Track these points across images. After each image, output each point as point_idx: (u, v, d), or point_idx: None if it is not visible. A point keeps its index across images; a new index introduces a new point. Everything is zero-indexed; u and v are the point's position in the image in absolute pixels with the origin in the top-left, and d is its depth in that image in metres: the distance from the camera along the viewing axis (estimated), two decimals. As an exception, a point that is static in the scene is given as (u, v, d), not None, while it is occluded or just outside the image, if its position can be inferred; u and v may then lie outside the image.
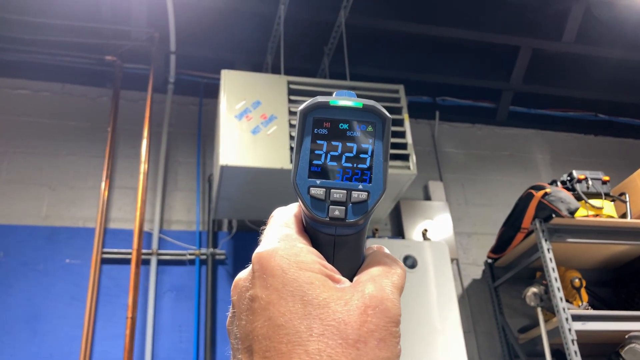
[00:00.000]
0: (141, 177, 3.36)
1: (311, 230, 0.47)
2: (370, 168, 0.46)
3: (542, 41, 4.12)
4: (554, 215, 3.15)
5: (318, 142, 0.47)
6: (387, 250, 0.49)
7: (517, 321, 3.63)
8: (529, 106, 4.48)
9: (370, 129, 0.47)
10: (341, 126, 0.47)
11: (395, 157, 3.14)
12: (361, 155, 0.46)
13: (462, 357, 3.06)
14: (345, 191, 0.46)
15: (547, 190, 3.22)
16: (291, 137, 2.95)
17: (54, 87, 3.77)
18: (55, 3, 3.44)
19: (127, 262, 3.21)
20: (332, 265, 0.45)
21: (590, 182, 3.38)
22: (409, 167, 3.08)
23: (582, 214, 3.27)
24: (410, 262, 3.26)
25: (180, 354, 3.11)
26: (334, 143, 0.47)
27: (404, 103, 3.26)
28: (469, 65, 4.26)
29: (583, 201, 3.30)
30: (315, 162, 0.46)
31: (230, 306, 0.47)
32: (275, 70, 3.60)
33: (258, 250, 0.45)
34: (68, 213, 3.39)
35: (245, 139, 2.91)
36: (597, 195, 3.37)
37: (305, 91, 3.16)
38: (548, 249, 3.13)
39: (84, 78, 3.80)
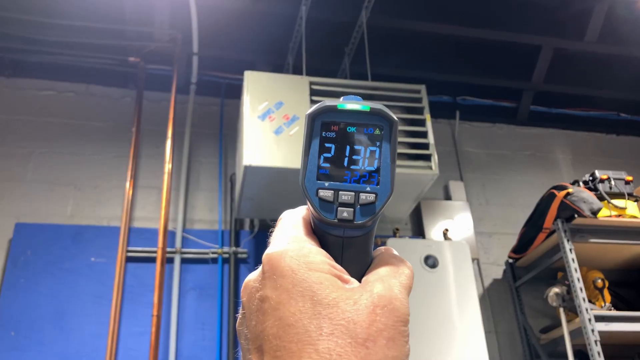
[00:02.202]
0: (166, 177, 3.41)
1: (319, 232, 0.48)
2: (377, 170, 0.47)
3: (564, 40, 4.10)
4: (576, 216, 3.14)
5: (326, 145, 0.47)
6: (395, 252, 0.50)
7: (539, 321, 3.61)
8: (550, 106, 4.46)
9: (377, 132, 0.47)
10: (349, 129, 0.47)
11: (417, 157, 3.15)
12: (369, 158, 0.47)
13: (483, 357, 3.06)
14: (353, 193, 0.46)
15: (570, 190, 3.20)
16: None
17: (79, 88, 3.83)
18: (79, 5, 3.49)
19: (151, 260, 3.25)
20: (341, 266, 0.46)
21: (613, 182, 3.36)
22: (431, 167, 3.09)
23: (605, 214, 3.25)
24: (431, 262, 3.26)
25: (204, 351, 3.15)
26: (341, 146, 0.47)
27: (425, 103, 3.26)
28: (490, 64, 4.25)
29: (606, 201, 3.28)
30: (323, 164, 0.47)
31: (240, 307, 0.47)
32: (296, 71, 3.63)
33: (268, 251, 0.45)
34: (93, 212, 3.44)
35: (268, 139, 2.93)
36: (620, 196, 3.34)
37: (327, 92, 3.18)
38: (570, 249, 3.12)
39: (107, 79, 3.86)
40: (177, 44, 3.70)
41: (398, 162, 3.12)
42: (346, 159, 0.47)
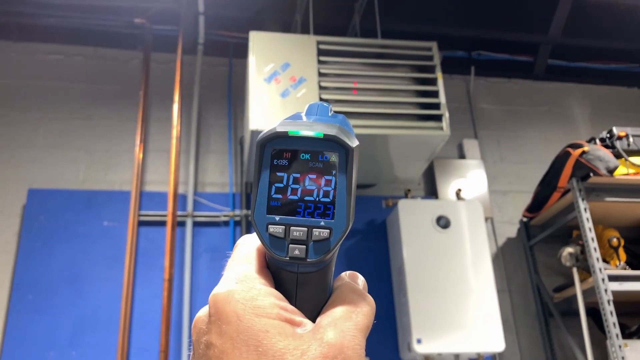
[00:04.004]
0: (174, 141, 3.40)
1: (273, 267, 0.45)
2: (333, 202, 0.43)
3: (584, -10, 3.94)
4: (591, 174, 3.07)
5: (278, 174, 0.44)
6: (359, 281, 0.47)
7: (552, 280, 3.60)
8: (568, 59, 4.31)
9: (333, 159, 0.44)
10: (302, 157, 0.44)
11: (428, 117, 3.08)
12: (324, 189, 0.44)
13: (495, 315, 3.06)
14: (305, 229, 0.43)
15: (585, 148, 3.13)
16: (321, 100, 2.92)
17: (87, 51, 3.80)
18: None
19: (163, 224, 3.27)
20: (295, 304, 0.44)
21: (631, 139, 3.26)
22: (442, 128, 3.02)
23: (622, 172, 3.17)
24: (443, 222, 3.24)
25: (217, 312, 3.19)
26: (294, 175, 0.44)
27: (437, 61, 3.17)
28: (506, 17, 4.11)
29: (623, 159, 3.20)
30: (274, 195, 0.44)
31: (192, 346, 0.45)
32: (304, 28, 3.54)
33: (214, 291, 0.43)
34: (104, 177, 3.46)
35: (275, 102, 2.89)
36: (638, 153, 3.25)
37: (335, 51, 3.10)
38: (585, 209, 3.07)
39: (115, 41, 3.81)
40: (182, 4, 3.62)
41: (407, 123, 3.07)
42: (299, 190, 0.44)
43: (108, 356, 2.97)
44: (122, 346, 2.96)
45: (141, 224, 3.31)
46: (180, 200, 3.38)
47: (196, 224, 3.39)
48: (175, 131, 3.42)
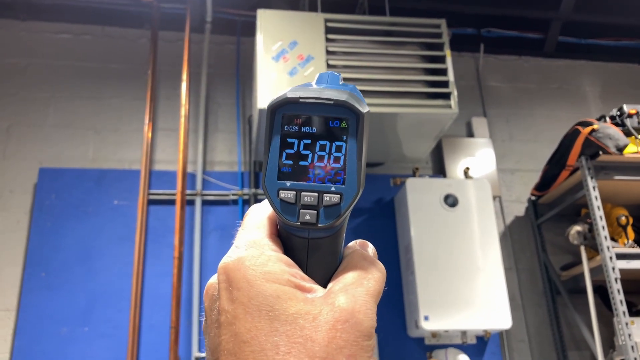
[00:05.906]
0: (182, 120, 3.41)
1: (284, 233, 0.46)
2: (344, 168, 0.44)
3: (596, -35, 3.88)
4: (600, 152, 3.06)
5: (288, 140, 0.44)
6: (368, 248, 0.47)
7: (560, 258, 3.60)
8: (579, 36, 4.26)
9: (343, 125, 0.44)
10: (313, 122, 0.44)
11: (436, 95, 3.07)
12: (334, 154, 0.44)
13: (502, 293, 3.08)
14: (316, 194, 0.43)
15: (595, 126, 3.11)
16: (329, 78, 2.91)
17: (95, 30, 3.79)
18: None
19: (172, 202, 3.30)
20: (306, 270, 0.44)
21: (641, 117, 3.24)
22: (450, 106, 3.01)
23: (632, 150, 3.16)
24: (450, 201, 3.25)
25: (226, 290, 3.22)
26: (305, 141, 0.44)
27: (445, 39, 3.15)
28: (516, -7, 4.06)
29: (633, 137, 3.18)
30: (285, 161, 0.44)
31: (204, 312, 0.45)
32: (312, 6, 3.52)
33: (224, 259, 0.43)
34: (114, 155, 3.48)
35: (283, 81, 2.88)
36: (648, 131, 3.23)
37: (343, 29, 3.08)
38: (594, 187, 3.06)
39: (123, 20, 3.80)
40: (189, -18, 3.60)
41: (416, 101, 3.06)
42: (310, 156, 0.44)
43: (120, 331, 3.02)
44: (134, 322, 3.01)
45: (151, 202, 3.33)
46: (189, 179, 3.40)
47: (205, 203, 3.41)
48: (183, 110, 3.43)
